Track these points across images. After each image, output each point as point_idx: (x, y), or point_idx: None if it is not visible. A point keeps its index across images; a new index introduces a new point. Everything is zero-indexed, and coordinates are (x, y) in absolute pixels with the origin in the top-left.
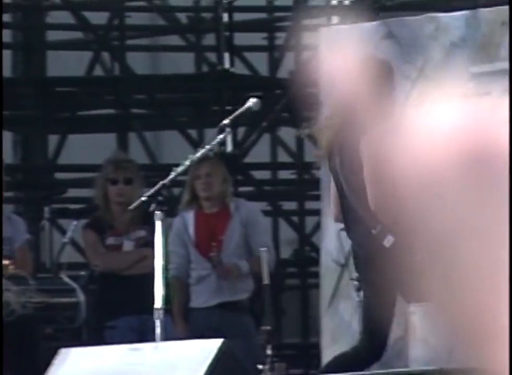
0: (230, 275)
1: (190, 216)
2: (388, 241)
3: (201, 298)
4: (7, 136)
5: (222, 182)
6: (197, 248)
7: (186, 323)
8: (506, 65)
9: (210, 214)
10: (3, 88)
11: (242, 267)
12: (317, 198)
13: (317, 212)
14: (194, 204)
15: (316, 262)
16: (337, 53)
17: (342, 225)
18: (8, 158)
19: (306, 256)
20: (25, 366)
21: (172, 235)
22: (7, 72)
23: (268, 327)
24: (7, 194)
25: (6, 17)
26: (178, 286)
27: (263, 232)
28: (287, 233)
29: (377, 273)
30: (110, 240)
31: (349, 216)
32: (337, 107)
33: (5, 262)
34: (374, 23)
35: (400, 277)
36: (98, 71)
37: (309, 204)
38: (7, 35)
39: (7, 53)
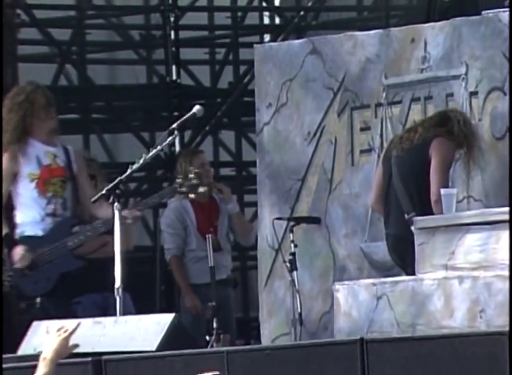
0: (222, 254)
1: (187, 204)
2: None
3: (200, 276)
4: None
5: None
6: (199, 231)
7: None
8: (414, 77)
9: (204, 203)
10: None
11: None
12: (254, 191)
13: (254, 204)
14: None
15: (254, 247)
16: None
17: (277, 215)
18: None
19: None
20: (3, 335)
21: (172, 219)
22: None
23: (214, 303)
24: None
25: None
26: (181, 264)
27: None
28: None
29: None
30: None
31: (391, 203)
32: None
33: None
34: (301, 40)
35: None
36: (62, 81)
37: (248, 197)
38: None
39: None
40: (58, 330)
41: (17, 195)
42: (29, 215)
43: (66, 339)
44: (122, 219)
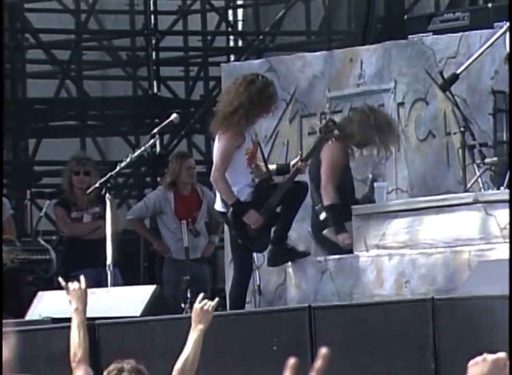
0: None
1: (170, 194)
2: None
3: (178, 253)
4: None
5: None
6: (176, 216)
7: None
8: (352, 90)
9: (185, 195)
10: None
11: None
12: None
13: None
14: (172, 187)
15: (222, 230)
16: None
17: None
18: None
19: None
20: (13, 303)
21: (150, 197)
22: None
23: (188, 277)
24: None
25: None
26: (141, 223)
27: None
28: None
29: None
30: (74, 214)
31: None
32: None
33: None
34: (260, 60)
35: None
36: (63, 94)
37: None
38: None
39: None
40: (77, 286)
41: (232, 164)
42: (240, 182)
43: (85, 290)
44: None
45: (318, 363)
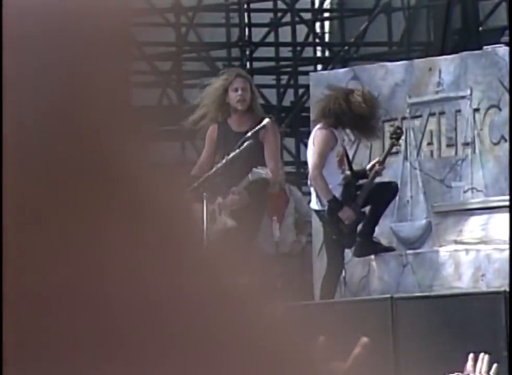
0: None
1: None
2: None
3: (267, 248)
4: None
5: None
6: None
7: None
8: (431, 97)
9: (273, 194)
10: None
11: None
12: None
13: (309, 193)
14: None
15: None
16: None
17: None
18: None
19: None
20: None
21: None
22: None
23: (278, 271)
24: None
25: None
26: None
27: None
28: None
29: None
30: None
31: None
32: None
33: None
34: (345, 69)
35: None
36: (165, 102)
37: (305, 189)
38: None
39: None
40: None
41: (327, 164)
42: (332, 181)
43: None
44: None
45: (356, 350)
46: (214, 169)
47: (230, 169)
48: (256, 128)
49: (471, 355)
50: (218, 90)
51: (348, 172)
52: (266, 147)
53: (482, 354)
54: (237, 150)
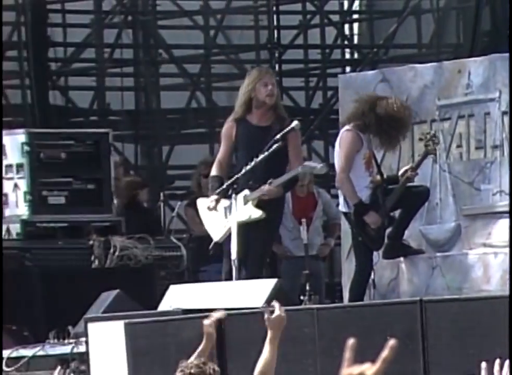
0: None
1: (288, 196)
2: None
3: (296, 250)
4: (132, 148)
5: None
6: (293, 216)
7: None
8: (460, 99)
9: (302, 197)
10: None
11: None
12: None
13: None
14: None
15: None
16: None
17: None
18: (138, 161)
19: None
20: (147, 296)
21: None
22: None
23: (307, 271)
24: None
25: (130, 69)
26: None
27: None
28: None
29: None
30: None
31: None
32: None
33: None
34: (374, 71)
35: None
36: (193, 104)
37: (334, 191)
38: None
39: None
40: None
41: (354, 166)
42: (359, 184)
43: (284, 318)
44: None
45: (385, 352)
46: (243, 171)
47: (256, 168)
48: (286, 130)
49: (497, 361)
50: (248, 86)
51: (378, 176)
52: (292, 148)
53: (507, 361)
54: (266, 153)
